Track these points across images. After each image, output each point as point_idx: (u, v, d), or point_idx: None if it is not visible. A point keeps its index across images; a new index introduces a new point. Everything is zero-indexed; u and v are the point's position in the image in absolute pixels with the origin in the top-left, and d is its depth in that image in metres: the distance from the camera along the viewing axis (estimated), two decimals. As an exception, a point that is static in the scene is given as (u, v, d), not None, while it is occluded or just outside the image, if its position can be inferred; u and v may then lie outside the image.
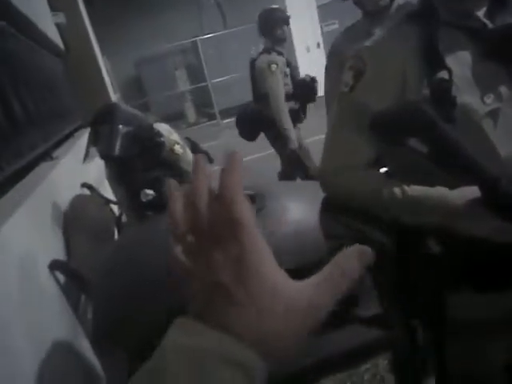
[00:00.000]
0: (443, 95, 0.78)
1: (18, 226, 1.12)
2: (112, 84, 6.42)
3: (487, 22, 0.81)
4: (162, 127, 2.03)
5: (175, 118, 9.16)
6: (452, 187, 0.78)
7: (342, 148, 0.90)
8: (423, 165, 0.79)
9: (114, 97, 5.56)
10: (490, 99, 0.80)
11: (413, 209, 0.82)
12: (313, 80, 3.37)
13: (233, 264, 0.31)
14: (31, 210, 1.31)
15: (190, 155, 2.09)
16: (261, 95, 3.28)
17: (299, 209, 0.82)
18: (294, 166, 3.39)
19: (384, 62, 0.84)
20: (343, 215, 0.84)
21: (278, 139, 3.26)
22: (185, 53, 10.36)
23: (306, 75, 3.47)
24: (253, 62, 3.36)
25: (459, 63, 0.81)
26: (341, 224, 0.82)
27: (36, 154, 1.93)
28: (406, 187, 0.83)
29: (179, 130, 5.67)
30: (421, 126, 0.73)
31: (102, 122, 1.81)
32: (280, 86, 3.18)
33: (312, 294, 0.32)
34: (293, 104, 3.33)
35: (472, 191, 0.76)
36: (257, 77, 3.29)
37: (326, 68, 2.10)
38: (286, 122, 3.18)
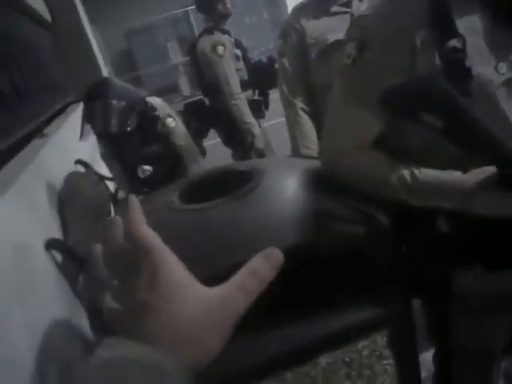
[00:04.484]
0: (457, 66, 0.72)
1: (9, 207, 1.10)
2: (103, 57, 6.25)
3: None
4: (156, 101, 2.00)
5: (169, 92, 9.02)
6: (462, 168, 0.75)
7: (347, 125, 0.85)
8: (433, 144, 0.75)
9: (105, 70, 5.43)
10: (503, 69, 0.75)
11: (425, 194, 0.78)
12: (271, 60, 2.70)
13: (147, 280, 0.35)
14: (23, 189, 1.29)
15: (182, 129, 2.06)
16: (209, 86, 2.66)
17: (296, 187, 0.80)
18: None
19: (389, 30, 0.77)
20: (341, 194, 0.81)
21: (235, 137, 2.63)
22: (176, 23, 10.10)
23: (262, 55, 2.87)
24: (193, 48, 2.74)
25: (470, 30, 0.74)
26: (339, 203, 0.79)
27: (26, 132, 1.89)
28: (415, 171, 0.78)
29: (174, 103, 5.59)
30: (440, 102, 0.67)
31: (95, 98, 1.78)
32: (232, 72, 2.55)
33: (225, 296, 0.34)
34: (250, 94, 2.70)
35: (484, 172, 0.72)
36: (201, 64, 2.64)
37: (280, 50, 1.87)
38: (247, 114, 2.56)
